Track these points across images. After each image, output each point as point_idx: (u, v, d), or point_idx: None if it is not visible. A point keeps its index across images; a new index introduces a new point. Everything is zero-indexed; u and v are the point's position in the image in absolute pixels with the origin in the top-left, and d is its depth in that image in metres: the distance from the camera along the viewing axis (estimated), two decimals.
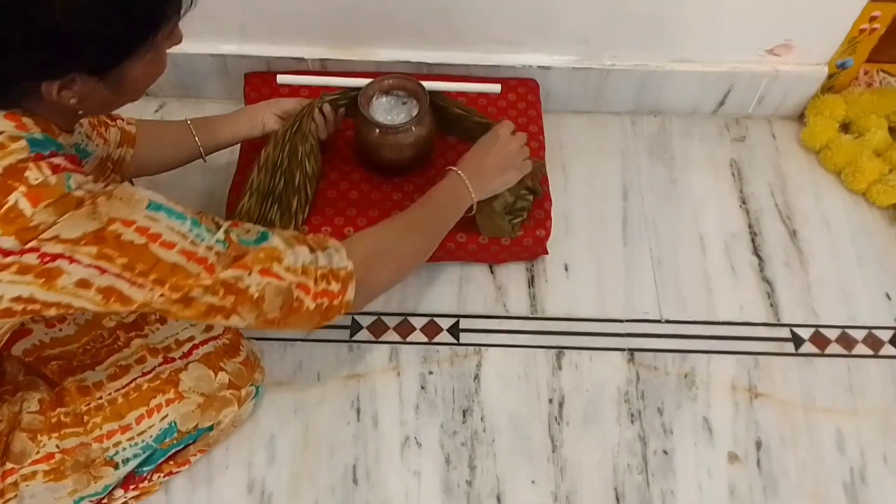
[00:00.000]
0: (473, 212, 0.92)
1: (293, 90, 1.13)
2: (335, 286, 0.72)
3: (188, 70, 1.17)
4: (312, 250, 0.72)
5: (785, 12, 1.09)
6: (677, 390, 0.99)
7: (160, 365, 0.83)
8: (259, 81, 1.15)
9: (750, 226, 1.14)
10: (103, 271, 0.60)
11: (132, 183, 0.89)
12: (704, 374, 1.00)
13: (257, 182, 0.95)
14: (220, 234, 0.67)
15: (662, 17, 1.10)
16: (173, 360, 0.84)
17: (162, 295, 0.63)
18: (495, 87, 1.14)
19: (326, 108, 0.99)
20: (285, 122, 0.98)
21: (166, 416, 0.81)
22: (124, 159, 0.88)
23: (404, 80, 1.01)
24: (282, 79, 1.13)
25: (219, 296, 0.66)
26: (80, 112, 0.65)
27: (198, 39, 1.13)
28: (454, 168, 0.89)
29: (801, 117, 1.26)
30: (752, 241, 1.13)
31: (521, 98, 1.15)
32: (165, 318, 0.86)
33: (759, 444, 0.95)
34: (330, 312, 0.73)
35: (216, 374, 0.84)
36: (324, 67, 1.17)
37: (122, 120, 0.90)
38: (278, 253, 0.69)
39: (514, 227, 0.99)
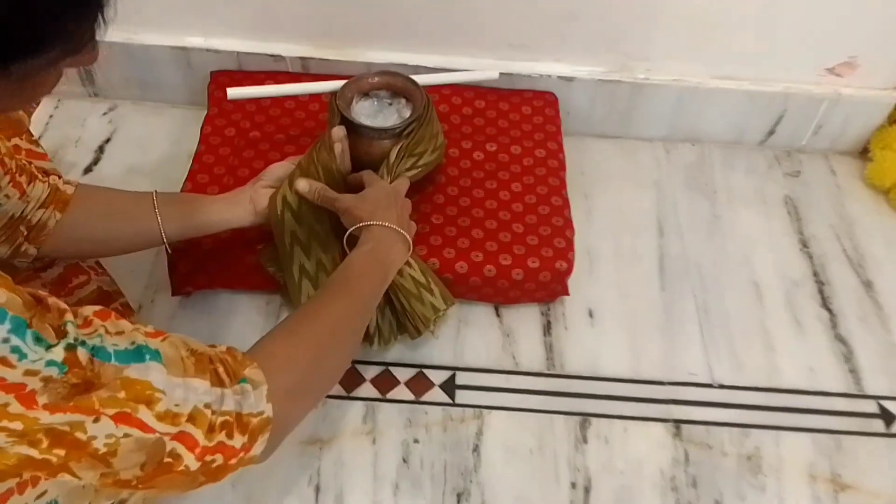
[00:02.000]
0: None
1: (246, 79, 0.95)
2: (239, 440, 0.49)
3: (145, 65, 0.99)
4: (217, 383, 0.49)
5: (850, 24, 0.93)
6: (739, 477, 0.75)
7: None
8: (227, 81, 0.96)
9: (815, 273, 0.93)
10: None
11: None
12: (773, 456, 0.77)
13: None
14: (59, 351, 0.42)
15: (707, 24, 0.93)
16: None
17: None
18: (492, 74, 0.95)
19: (338, 131, 0.78)
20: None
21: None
22: (46, 225, 0.65)
23: (389, 77, 0.82)
24: (232, 93, 0.92)
25: (39, 447, 0.42)
26: None
27: (157, 28, 0.96)
28: (371, 222, 0.71)
29: (863, 152, 1.07)
30: (820, 291, 0.92)
31: (538, 112, 0.97)
32: None
33: None
34: (221, 473, 0.50)
35: None
36: (304, 69, 0.99)
37: (59, 177, 0.67)
38: (150, 392, 0.45)
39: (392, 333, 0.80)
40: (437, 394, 0.79)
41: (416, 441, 0.76)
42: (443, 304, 0.77)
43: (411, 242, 0.73)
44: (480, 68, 0.97)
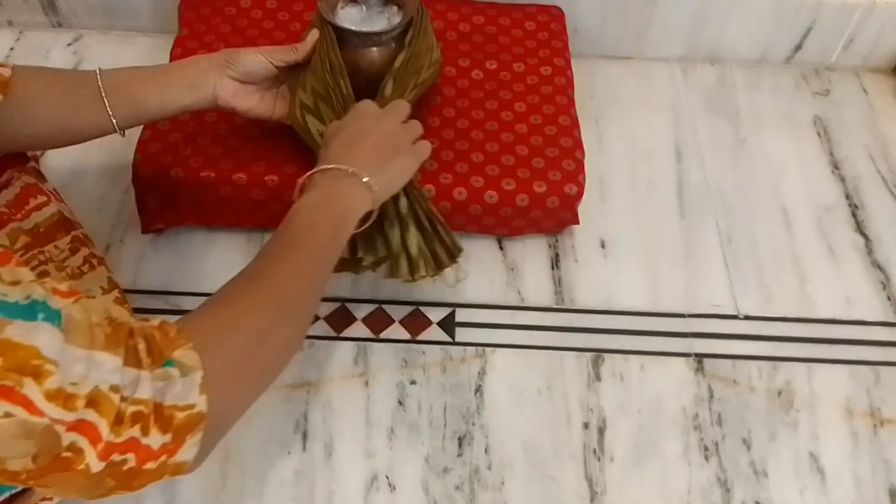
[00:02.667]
0: (371, 220, 0.61)
1: (223, 26, 0.85)
2: (157, 439, 0.39)
3: None
4: (134, 363, 0.39)
5: None
6: (769, 413, 0.68)
7: None
8: (199, 2, 0.88)
9: (848, 196, 0.85)
10: None
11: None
12: (805, 390, 0.70)
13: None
14: None
15: None
16: None
17: None
18: None
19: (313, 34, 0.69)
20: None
21: None
22: None
23: None
24: None
25: None
26: None
27: None
28: (324, 166, 0.57)
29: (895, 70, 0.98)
30: (854, 215, 0.83)
31: (542, 27, 0.88)
32: None
33: (892, 493, 0.65)
34: (136, 480, 0.40)
35: None
36: None
37: None
38: (38, 362, 0.35)
39: (428, 266, 0.66)
40: (435, 332, 0.72)
41: (412, 383, 0.69)
42: (447, 263, 0.67)
43: (416, 166, 0.63)
44: None
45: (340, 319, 0.73)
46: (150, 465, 0.40)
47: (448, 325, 0.73)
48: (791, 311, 0.75)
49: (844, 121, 0.93)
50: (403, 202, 0.65)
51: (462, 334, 0.72)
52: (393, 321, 0.73)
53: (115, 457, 0.38)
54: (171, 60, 0.82)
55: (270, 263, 0.51)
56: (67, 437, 0.36)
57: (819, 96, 0.96)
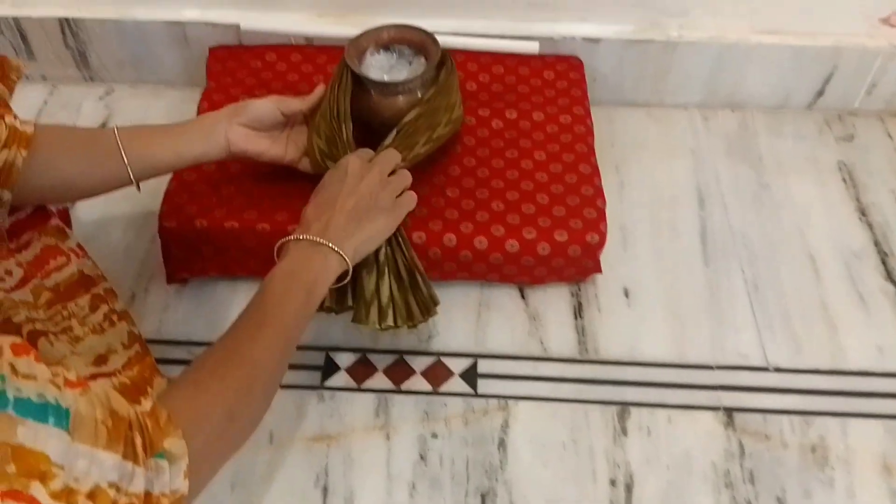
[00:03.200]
0: (347, 279, 0.63)
1: (246, 54, 0.88)
2: None
3: (139, 43, 0.93)
4: (131, 457, 0.42)
5: None
6: (803, 470, 0.66)
7: None
8: (226, 56, 0.90)
9: (876, 243, 0.84)
10: None
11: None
12: (840, 446, 0.68)
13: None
14: None
15: None
16: None
17: None
18: (532, 46, 0.88)
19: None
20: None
21: None
22: (14, 164, 0.57)
23: (408, 30, 0.75)
24: (245, 25, 0.87)
25: None
26: None
27: (151, 1, 0.90)
28: (296, 235, 0.61)
29: None
30: (883, 262, 0.82)
31: (561, 76, 0.89)
32: None
33: None
34: None
35: None
36: (309, 41, 0.92)
37: (14, 117, 0.59)
38: (45, 468, 0.37)
39: (398, 317, 0.66)
40: (457, 383, 0.71)
41: (434, 436, 0.68)
42: (419, 318, 0.67)
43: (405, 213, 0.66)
44: (497, 31, 0.90)
45: (361, 370, 0.72)
46: None
47: (470, 376, 0.72)
48: (822, 362, 0.73)
49: (870, 166, 0.92)
50: (383, 251, 0.66)
51: (484, 386, 0.71)
52: (414, 372, 0.72)
53: None
54: (198, 113, 0.84)
55: (242, 342, 0.54)
56: None
57: (843, 142, 0.95)
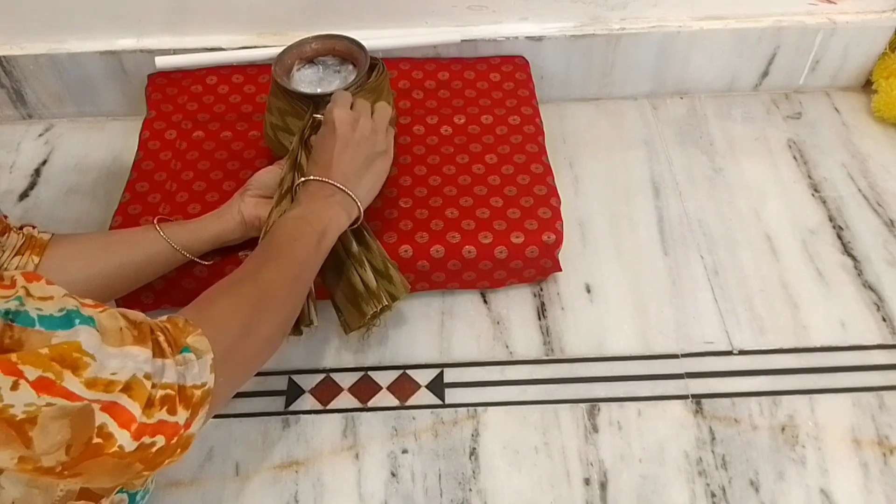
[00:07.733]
0: (360, 222, 0.66)
1: (186, 79, 0.87)
2: (182, 415, 0.45)
3: (76, 76, 0.91)
4: (159, 354, 0.44)
5: None
6: (774, 451, 0.66)
7: None
8: (166, 82, 0.88)
9: (831, 218, 0.84)
10: None
11: None
12: (809, 424, 0.68)
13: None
14: None
15: None
16: None
17: None
18: (453, 37, 0.87)
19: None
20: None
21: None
22: (25, 269, 0.60)
23: (333, 40, 0.74)
24: (161, 62, 0.86)
25: None
26: None
27: (84, 33, 0.88)
28: (307, 177, 0.64)
29: (866, 85, 0.98)
30: (839, 237, 0.82)
31: (508, 77, 0.88)
32: None
33: None
34: (158, 459, 0.45)
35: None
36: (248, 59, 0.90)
37: (33, 227, 0.63)
38: (78, 356, 0.39)
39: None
40: (424, 395, 0.70)
41: (404, 451, 0.67)
42: (402, 292, 0.67)
43: (391, 155, 0.68)
44: (440, 38, 0.89)
45: (326, 391, 0.71)
46: (172, 442, 0.44)
47: (437, 386, 0.71)
48: (786, 341, 0.73)
49: (819, 142, 0.93)
50: (354, 244, 0.67)
51: (452, 395, 0.70)
52: (380, 388, 0.71)
53: (146, 439, 0.42)
54: (139, 143, 0.82)
55: (254, 268, 0.57)
56: (100, 418, 0.40)
57: (791, 119, 0.96)
